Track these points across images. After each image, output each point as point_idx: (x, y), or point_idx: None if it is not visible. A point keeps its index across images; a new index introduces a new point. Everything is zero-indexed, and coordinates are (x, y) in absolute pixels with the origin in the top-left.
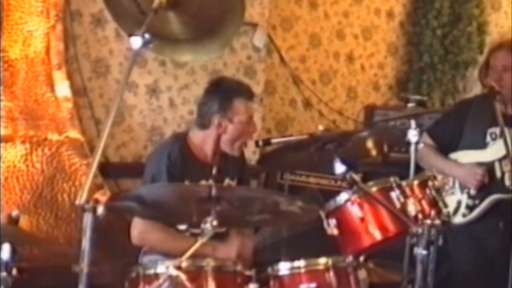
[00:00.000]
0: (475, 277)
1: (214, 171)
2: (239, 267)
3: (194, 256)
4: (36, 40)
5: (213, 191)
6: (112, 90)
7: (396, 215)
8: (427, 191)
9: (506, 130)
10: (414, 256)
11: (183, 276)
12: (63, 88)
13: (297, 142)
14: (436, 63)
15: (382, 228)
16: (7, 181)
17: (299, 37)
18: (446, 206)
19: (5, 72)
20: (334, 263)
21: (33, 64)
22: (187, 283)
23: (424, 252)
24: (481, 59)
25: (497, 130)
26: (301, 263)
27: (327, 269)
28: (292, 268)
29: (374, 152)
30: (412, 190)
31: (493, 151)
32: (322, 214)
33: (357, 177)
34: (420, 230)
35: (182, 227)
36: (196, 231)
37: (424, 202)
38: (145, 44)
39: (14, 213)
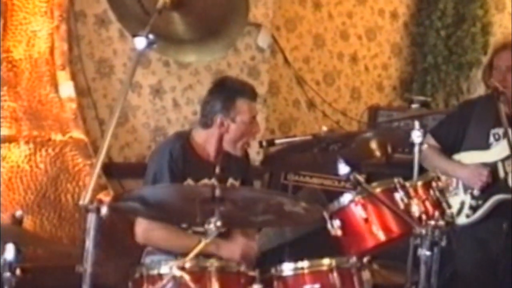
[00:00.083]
0: (478, 278)
1: (217, 170)
2: (242, 268)
3: (197, 256)
4: (40, 40)
5: (217, 192)
6: (116, 90)
7: (400, 216)
8: (431, 192)
9: (510, 130)
10: (418, 257)
11: (186, 277)
12: (67, 89)
13: (301, 143)
14: (440, 64)
15: (386, 229)
16: (11, 181)
17: (303, 37)
18: (450, 207)
19: (9, 72)
20: (338, 264)
21: (37, 64)
22: (191, 284)
23: (428, 253)
24: (485, 60)
25: (500, 130)
26: (304, 264)
27: (330, 270)
28: (296, 268)
29: (378, 153)
30: (416, 191)
31: (497, 151)
32: (326, 215)
33: (361, 178)
34: (424, 231)
35: (184, 225)
36: (199, 229)
37: (428, 203)
38: (149, 44)
39: (18, 213)
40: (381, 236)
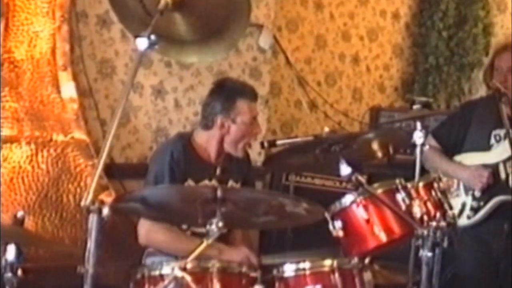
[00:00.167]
0: (480, 278)
1: (218, 171)
2: (244, 269)
3: (199, 258)
4: (42, 41)
5: (219, 193)
6: (117, 91)
7: (401, 217)
8: (433, 193)
9: (511, 131)
10: (419, 258)
11: (188, 278)
12: (68, 89)
13: (303, 144)
14: (441, 64)
15: (388, 230)
16: (12, 182)
17: (304, 38)
18: (451, 208)
19: (11, 73)
20: (340, 265)
21: (39, 65)
22: (192, 285)
23: (430, 254)
24: (486, 61)
25: (501, 132)
26: (306, 265)
27: (332, 271)
28: (297, 269)
29: (379, 154)
30: (417, 192)
31: (498, 153)
32: (328, 216)
33: (362, 179)
34: (425, 232)
35: (184, 226)
36: (199, 230)
37: (429, 204)
38: (151, 45)
39: (19, 213)
40: (383, 237)
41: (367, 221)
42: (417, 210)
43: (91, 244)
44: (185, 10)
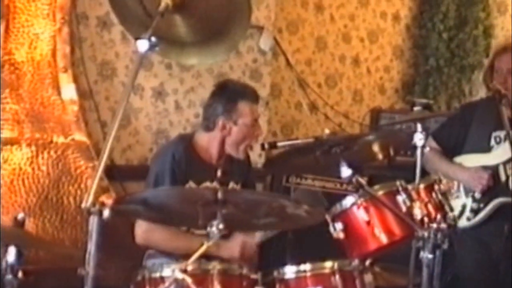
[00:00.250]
0: (480, 280)
1: (218, 173)
2: (245, 271)
3: (199, 258)
4: (42, 43)
5: (219, 195)
6: (118, 93)
7: (402, 219)
8: (433, 194)
9: (511, 133)
10: (420, 260)
11: (188, 280)
12: (69, 91)
13: (303, 146)
14: (442, 66)
15: (388, 231)
16: (13, 184)
17: (305, 40)
18: (452, 209)
19: (11, 74)
20: (340, 267)
21: (39, 67)
22: (193, 287)
23: (430, 256)
24: (487, 62)
25: (501, 133)
26: (307, 266)
27: (333, 272)
28: (298, 271)
29: (380, 156)
30: (418, 193)
31: (498, 154)
32: (328, 217)
33: (363, 181)
34: (426, 234)
35: (183, 228)
36: (199, 232)
37: (430, 206)
38: (152, 47)
39: (20, 215)
40: (383, 239)
41: (368, 223)
42: (417, 212)
43: (91, 246)
44: (185, 12)
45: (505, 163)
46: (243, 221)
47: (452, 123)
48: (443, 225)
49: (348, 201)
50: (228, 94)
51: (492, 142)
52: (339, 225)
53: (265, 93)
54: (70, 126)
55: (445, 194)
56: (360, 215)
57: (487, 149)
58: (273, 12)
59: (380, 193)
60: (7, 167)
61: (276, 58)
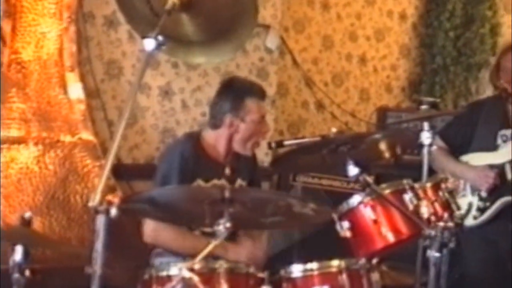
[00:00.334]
0: (487, 279)
1: (226, 171)
2: (252, 269)
3: (206, 257)
4: (49, 42)
5: (226, 193)
6: (124, 92)
7: (409, 218)
8: (440, 193)
9: None
10: (427, 259)
11: (196, 278)
12: (76, 90)
13: (310, 144)
14: (448, 65)
15: (395, 230)
16: (20, 183)
17: (311, 39)
18: (459, 208)
19: (18, 74)
20: (347, 266)
21: (46, 66)
22: (200, 285)
23: (437, 254)
24: (493, 61)
25: (508, 132)
26: (314, 265)
27: (340, 271)
28: (305, 270)
29: (387, 154)
30: (425, 192)
31: (504, 153)
32: (335, 216)
33: (370, 179)
34: (433, 233)
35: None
36: (207, 230)
37: (437, 205)
38: (158, 46)
39: (27, 214)
40: (390, 238)
41: (375, 221)
42: (424, 211)
43: (98, 245)
44: (192, 11)
45: (511, 162)
46: (250, 220)
47: (458, 122)
48: (450, 224)
49: (355, 199)
50: (235, 92)
51: (499, 140)
52: (345, 224)
53: (271, 92)
54: (77, 125)
55: (452, 193)
56: (367, 213)
57: (494, 147)
58: (279, 11)
59: (387, 191)
60: (14, 166)
61: (282, 57)
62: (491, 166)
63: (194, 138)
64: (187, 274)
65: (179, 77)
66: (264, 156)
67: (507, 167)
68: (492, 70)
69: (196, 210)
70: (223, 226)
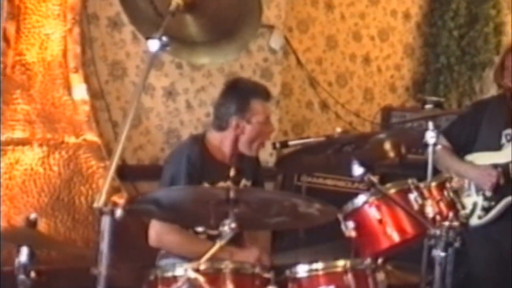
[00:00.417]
0: (492, 278)
1: (232, 172)
2: (257, 270)
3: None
4: (53, 43)
5: (231, 194)
6: (129, 93)
7: (414, 217)
8: (445, 192)
9: None
10: (432, 258)
11: (201, 279)
12: (80, 91)
13: (315, 144)
14: (453, 64)
15: (400, 230)
16: (25, 184)
17: (315, 39)
18: (464, 207)
19: (23, 75)
20: (353, 265)
21: (50, 67)
22: (206, 286)
23: (442, 254)
24: (497, 60)
25: None
26: (319, 265)
27: (345, 271)
28: (311, 270)
29: (391, 154)
30: (430, 192)
31: (508, 152)
32: (340, 216)
33: (374, 179)
34: (438, 232)
35: (200, 229)
36: (213, 232)
37: (442, 204)
38: (162, 47)
39: (32, 216)
40: (396, 237)
41: (380, 221)
42: (429, 210)
43: (103, 246)
44: (196, 12)
45: None
46: (255, 220)
47: (463, 121)
48: (455, 223)
49: (360, 199)
50: (240, 93)
51: (503, 140)
52: (351, 224)
53: (276, 92)
54: (81, 126)
55: (456, 192)
56: (372, 213)
57: (498, 147)
58: (283, 11)
59: (392, 191)
60: (19, 168)
61: (286, 57)
62: (496, 166)
63: (200, 141)
64: (192, 274)
65: (183, 78)
66: (268, 157)
67: None
68: (496, 69)
69: (201, 211)
70: (228, 227)
